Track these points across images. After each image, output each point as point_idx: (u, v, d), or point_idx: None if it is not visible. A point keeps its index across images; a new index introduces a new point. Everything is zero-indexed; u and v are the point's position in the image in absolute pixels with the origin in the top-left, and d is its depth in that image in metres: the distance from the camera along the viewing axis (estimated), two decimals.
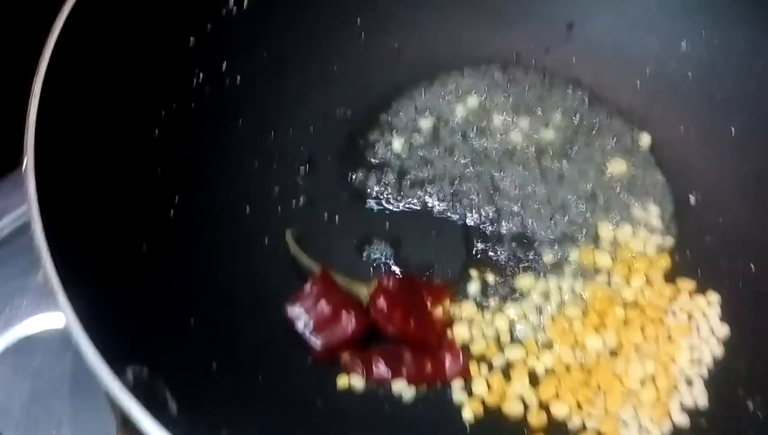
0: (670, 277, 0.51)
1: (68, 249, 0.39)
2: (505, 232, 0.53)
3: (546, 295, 0.50)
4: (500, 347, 0.49)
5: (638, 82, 0.58)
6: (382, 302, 0.48)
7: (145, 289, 0.45)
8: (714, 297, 0.49)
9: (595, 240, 0.52)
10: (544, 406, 0.47)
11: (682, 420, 0.45)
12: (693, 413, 0.46)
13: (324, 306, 0.48)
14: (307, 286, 0.49)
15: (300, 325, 0.48)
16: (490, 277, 0.51)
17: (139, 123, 0.49)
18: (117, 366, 0.36)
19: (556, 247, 0.52)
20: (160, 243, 0.47)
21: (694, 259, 0.52)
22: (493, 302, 0.50)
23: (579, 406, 0.46)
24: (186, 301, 0.46)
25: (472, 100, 0.58)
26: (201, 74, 0.53)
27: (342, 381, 0.47)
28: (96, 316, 0.38)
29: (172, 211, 0.49)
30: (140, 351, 0.39)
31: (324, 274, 0.49)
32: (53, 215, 0.40)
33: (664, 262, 0.51)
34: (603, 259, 0.51)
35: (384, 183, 0.56)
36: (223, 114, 0.55)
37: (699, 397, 0.46)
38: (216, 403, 0.41)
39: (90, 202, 0.43)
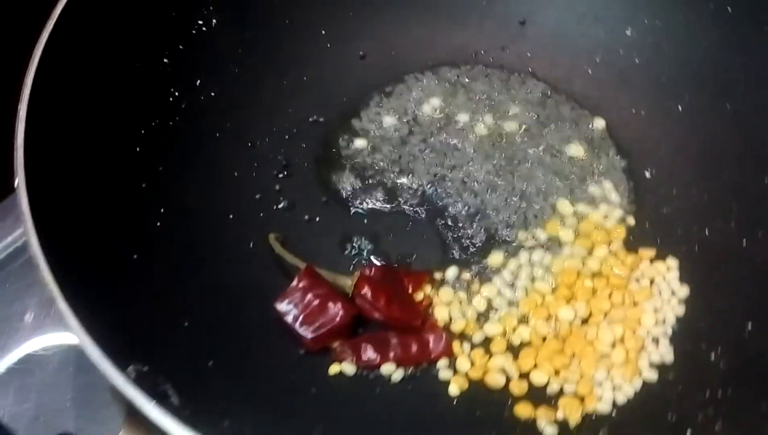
0: (631, 247, 0.53)
1: (64, 260, 0.41)
2: (475, 218, 0.56)
3: (517, 272, 0.52)
4: (479, 325, 0.51)
5: (590, 70, 0.61)
6: (366, 290, 0.50)
7: (139, 294, 0.46)
8: (673, 262, 0.52)
9: (559, 217, 0.54)
10: (525, 376, 0.49)
11: (652, 376, 0.48)
12: (661, 368, 0.48)
13: (311, 299, 0.50)
14: (294, 282, 0.50)
15: (290, 319, 0.50)
16: (465, 262, 0.53)
17: (121, 140, 0.50)
18: (120, 364, 0.38)
19: (523, 228, 0.55)
20: (150, 252, 0.48)
21: (652, 229, 0.54)
22: (469, 284, 0.52)
23: (556, 372, 0.48)
24: (179, 303, 0.48)
25: (436, 100, 0.61)
26: (176, 91, 0.55)
27: (333, 369, 0.49)
28: (96, 321, 0.39)
29: (158, 221, 0.51)
30: (139, 351, 0.40)
31: (309, 270, 0.51)
32: (47, 229, 0.41)
33: (622, 232, 0.53)
34: (567, 234, 0.53)
35: (358, 183, 0.58)
36: (201, 127, 0.56)
37: (665, 354, 0.48)
38: (215, 397, 0.43)
39: (80, 216, 0.45)
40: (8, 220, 0.63)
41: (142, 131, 0.52)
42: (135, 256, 0.47)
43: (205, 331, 0.47)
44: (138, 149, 0.51)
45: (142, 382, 0.38)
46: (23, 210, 0.41)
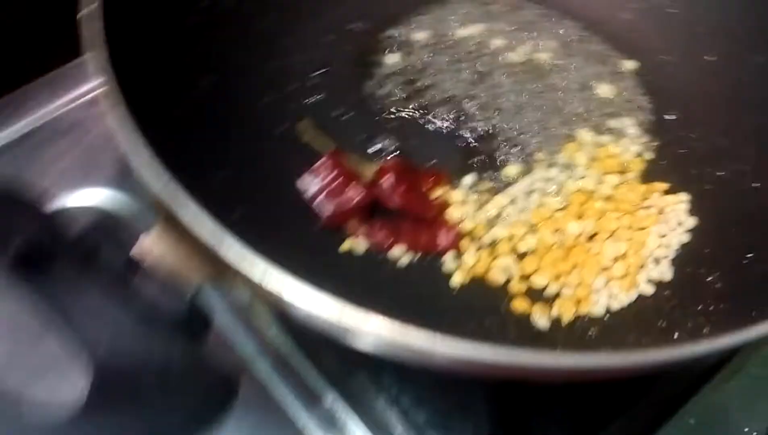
0: (645, 181, 0.54)
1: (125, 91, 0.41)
2: (498, 137, 0.56)
3: (531, 186, 0.53)
4: (488, 228, 0.52)
5: (627, 14, 0.61)
6: (386, 178, 0.51)
7: (176, 147, 0.47)
8: (684, 196, 0.52)
9: (578, 144, 0.55)
10: (526, 278, 0.50)
11: (648, 289, 0.48)
12: (658, 285, 0.49)
13: (333, 179, 0.51)
14: (320, 161, 0.52)
15: (311, 195, 0.51)
16: (483, 172, 0.54)
17: (173, 16, 0.51)
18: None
19: (543, 150, 0.55)
20: (190, 112, 0.49)
21: (668, 167, 0.55)
22: (483, 191, 0.53)
23: (557, 277, 0.49)
24: (211, 159, 0.49)
25: (473, 26, 0.62)
26: None
27: (345, 245, 0.50)
28: (147, 145, 0.40)
29: (201, 86, 0.52)
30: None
31: (335, 153, 0.52)
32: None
33: (639, 165, 0.54)
34: (582, 158, 0.54)
35: (390, 90, 0.59)
36: (248, 17, 0.57)
37: (664, 273, 0.49)
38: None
39: (136, 67, 0.45)
40: (55, 89, 0.65)
41: (196, 7, 0.53)
42: (177, 113, 0.48)
43: (234, 188, 0.48)
44: (190, 22, 0.53)
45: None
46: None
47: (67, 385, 0.35)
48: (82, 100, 0.67)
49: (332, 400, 0.49)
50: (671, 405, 0.50)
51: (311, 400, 0.50)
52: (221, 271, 0.38)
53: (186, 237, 0.38)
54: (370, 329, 0.35)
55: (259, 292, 0.37)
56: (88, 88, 0.66)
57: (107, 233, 0.37)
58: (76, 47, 0.43)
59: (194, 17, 0.53)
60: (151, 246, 0.38)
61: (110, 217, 0.38)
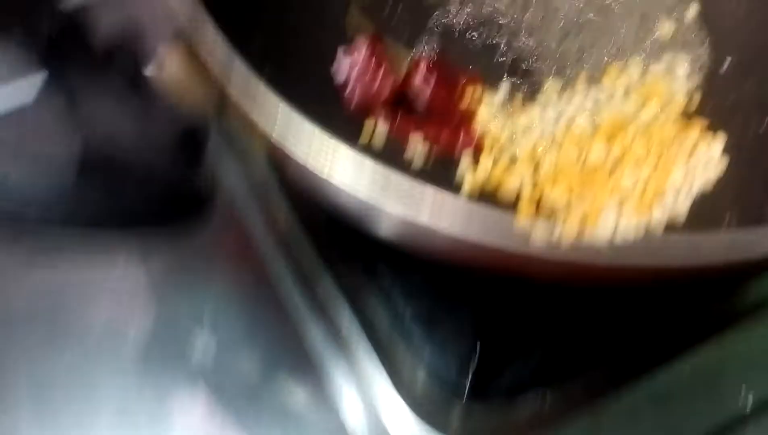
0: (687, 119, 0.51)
1: None
2: (543, 55, 0.54)
3: (566, 105, 0.51)
4: (513, 137, 0.50)
5: None
6: (422, 68, 0.50)
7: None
8: (721, 135, 0.49)
9: (624, 69, 0.52)
10: (539, 187, 0.48)
11: (660, 217, 0.46)
12: (672, 217, 0.46)
13: (369, 63, 0.50)
14: (358, 42, 0.50)
15: (342, 76, 0.50)
16: (520, 86, 0.52)
17: None
18: None
19: (586, 72, 0.53)
20: None
21: (714, 110, 0.51)
22: (517, 102, 0.51)
23: (569, 192, 0.47)
24: (254, 19, 0.48)
25: None
26: None
27: (366, 135, 0.49)
28: None
29: None
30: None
31: (375, 36, 0.51)
32: None
33: (685, 102, 0.51)
34: (626, 85, 0.51)
35: None
36: None
37: (682, 205, 0.46)
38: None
39: None
40: None
41: None
42: None
43: (269, 47, 0.47)
44: None
45: None
46: None
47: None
48: None
49: (326, 285, 0.48)
50: (672, 349, 0.48)
51: (306, 283, 0.49)
52: (226, 103, 0.37)
53: (202, 61, 0.37)
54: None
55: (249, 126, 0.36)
56: None
57: (127, 41, 0.37)
58: None
59: None
60: (167, 61, 0.37)
61: (133, 24, 0.38)
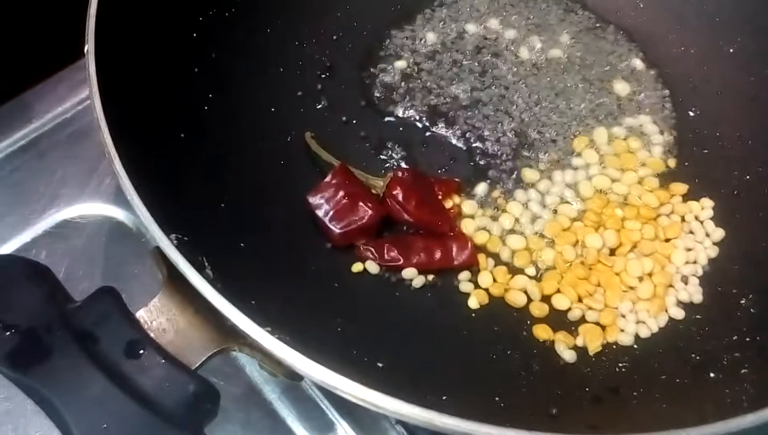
0: (665, 183, 0.45)
1: (121, 126, 0.35)
2: (508, 140, 0.48)
3: (546, 191, 0.44)
4: (503, 241, 0.43)
5: (641, 3, 0.51)
6: (397, 191, 0.43)
7: (182, 170, 0.40)
8: (708, 202, 0.44)
9: (592, 139, 0.46)
10: (546, 299, 0.41)
11: (678, 314, 0.40)
12: (688, 308, 0.41)
13: (343, 196, 0.43)
14: (328, 178, 0.43)
15: (320, 213, 0.43)
16: (495, 179, 0.46)
17: (180, 26, 0.44)
18: (165, 229, 0.31)
19: (556, 150, 0.47)
20: (196, 132, 0.42)
21: (691, 168, 0.46)
22: (496, 200, 0.45)
23: (579, 299, 0.41)
24: (217, 185, 0.41)
25: (484, 22, 0.52)
26: None
27: (357, 267, 0.42)
28: (146, 187, 0.33)
29: (206, 105, 0.44)
30: (181, 222, 0.34)
31: (343, 167, 0.44)
32: (109, 95, 0.35)
33: (659, 164, 0.45)
34: (597, 156, 0.45)
35: (396, 93, 0.50)
36: (254, 21, 0.49)
37: (694, 294, 0.41)
38: (244, 277, 0.36)
39: (138, 90, 0.39)
40: (58, 93, 0.56)
41: (201, 19, 0.45)
42: (183, 135, 0.41)
43: (240, 214, 0.41)
44: (195, 35, 0.45)
45: (183, 250, 0.31)
46: (91, 74, 0.36)
47: None
48: (86, 103, 0.57)
49: (345, 430, 0.41)
50: None
51: (323, 428, 0.42)
52: (231, 334, 0.30)
53: (192, 301, 0.30)
54: (382, 406, 0.27)
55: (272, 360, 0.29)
56: None
57: (108, 307, 0.29)
58: (80, 47, 0.37)
59: (197, 30, 0.44)
60: (156, 313, 0.30)
61: (109, 290, 0.30)
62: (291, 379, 0.30)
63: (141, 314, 0.30)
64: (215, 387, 0.30)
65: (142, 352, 0.29)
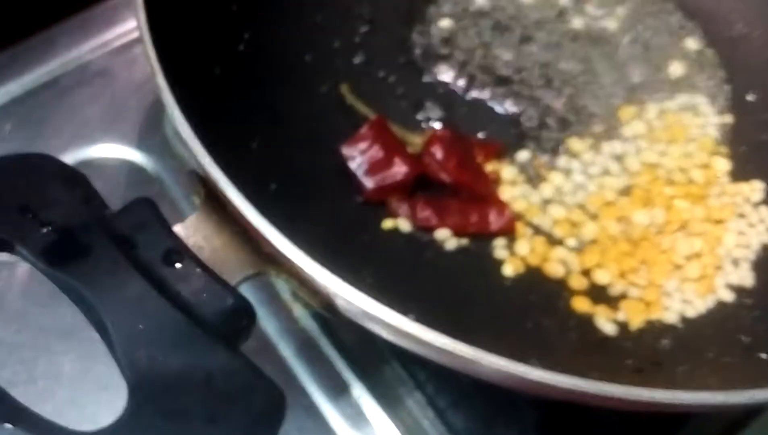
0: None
1: (162, 50, 0.34)
2: (555, 108, 0.46)
3: (591, 161, 0.43)
4: (543, 211, 0.42)
5: None
6: (436, 149, 0.41)
7: (215, 106, 0.38)
8: (758, 184, 0.42)
9: (642, 112, 0.45)
10: (586, 272, 0.40)
11: (727, 296, 0.38)
12: (738, 291, 0.39)
13: (378, 150, 0.41)
14: (363, 130, 0.42)
15: (354, 165, 0.41)
16: (537, 146, 0.44)
17: None
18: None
19: (603, 122, 0.45)
20: (230, 70, 0.41)
21: (747, 154, 0.44)
22: (539, 167, 0.43)
23: (622, 275, 0.39)
24: (249, 126, 0.40)
25: None
26: None
27: (387, 223, 0.41)
28: (185, 107, 0.32)
29: (241, 45, 0.43)
30: (215, 155, 0.32)
31: (379, 120, 0.42)
32: (152, 17, 0.34)
33: (710, 143, 0.43)
34: (646, 128, 0.44)
35: (439, 52, 0.48)
36: None
37: (745, 277, 0.39)
38: (272, 220, 0.35)
39: (178, 21, 0.37)
40: (85, 31, 0.55)
41: None
42: (217, 71, 0.40)
43: (272, 157, 0.40)
44: None
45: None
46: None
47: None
48: (113, 45, 0.56)
49: (360, 392, 0.40)
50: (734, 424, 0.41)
51: (338, 389, 0.40)
52: (267, 260, 0.29)
53: (229, 221, 0.29)
54: (425, 339, 0.25)
55: (308, 288, 0.28)
56: (119, 32, 0.56)
57: (145, 216, 0.28)
58: None
59: None
60: (192, 230, 0.29)
61: (147, 201, 0.29)
62: (326, 312, 0.29)
63: (177, 229, 0.30)
64: (252, 305, 0.29)
65: (179, 262, 0.28)
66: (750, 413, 0.42)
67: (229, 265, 0.29)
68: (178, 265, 0.28)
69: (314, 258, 0.28)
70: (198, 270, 0.28)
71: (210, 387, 0.26)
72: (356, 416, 0.41)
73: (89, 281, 0.27)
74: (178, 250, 0.28)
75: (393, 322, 0.26)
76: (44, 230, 0.27)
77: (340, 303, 0.27)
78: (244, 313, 0.29)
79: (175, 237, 0.29)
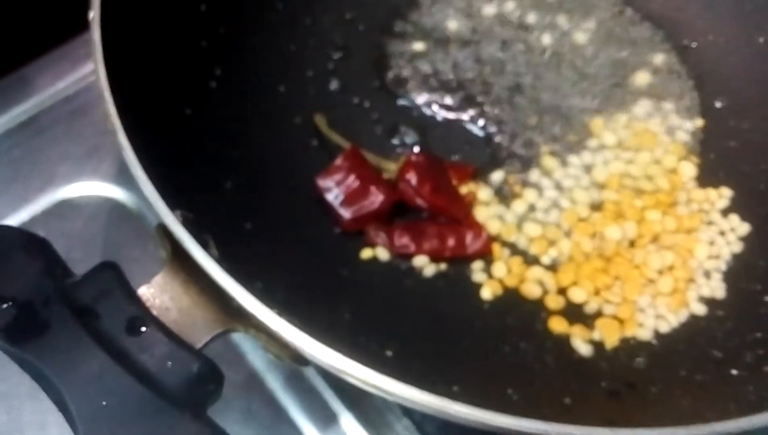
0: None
1: (125, 97, 0.35)
2: (527, 124, 0.48)
3: (562, 177, 0.45)
4: (519, 229, 0.43)
5: None
6: (411, 175, 0.43)
7: (188, 147, 0.40)
8: (726, 191, 0.44)
9: (609, 122, 0.47)
10: (562, 291, 0.41)
11: (700, 309, 0.40)
12: (710, 303, 0.40)
13: (353, 179, 0.43)
14: (338, 160, 0.43)
15: (330, 197, 0.43)
16: (510, 166, 0.46)
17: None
18: (169, 204, 0.31)
19: (573, 136, 0.47)
20: (202, 109, 0.42)
21: (716, 161, 0.46)
22: (512, 187, 0.45)
23: (596, 292, 0.41)
24: (223, 164, 0.41)
25: (504, 3, 0.52)
26: None
27: (366, 253, 0.42)
28: (150, 161, 0.33)
29: (213, 81, 0.44)
30: (186, 199, 0.34)
31: (354, 150, 0.44)
32: (113, 66, 0.35)
33: (679, 149, 0.45)
34: (614, 138, 0.46)
35: (411, 76, 0.49)
36: None
37: (716, 289, 0.41)
38: (249, 259, 0.36)
39: (143, 62, 0.39)
40: (59, 68, 0.56)
41: None
42: (188, 111, 0.41)
43: (247, 195, 0.41)
44: (203, 8, 0.45)
45: (188, 227, 0.31)
46: (95, 42, 0.35)
47: None
48: (89, 80, 0.57)
49: (348, 421, 0.41)
50: None
51: (326, 420, 0.42)
52: (236, 315, 0.30)
53: (196, 280, 0.30)
54: (394, 392, 0.27)
55: (277, 342, 0.29)
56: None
57: (108, 282, 0.29)
58: (83, 19, 0.36)
59: (205, 3, 0.44)
60: (159, 290, 0.30)
61: (110, 265, 0.30)
62: (297, 364, 0.30)
63: (143, 291, 0.30)
64: (219, 368, 0.29)
65: (143, 329, 0.29)
66: None
67: (197, 326, 0.30)
68: (142, 331, 0.28)
69: (286, 308, 0.29)
70: (162, 337, 0.28)
71: None
72: None
73: (48, 359, 0.27)
74: (142, 316, 0.29)
75: (362, 376, 0.27)
76: (4, 306, 0.27)
77: (308, 357, 0.29)
78: (211, 377, 0.29)
79: (138, 302, 0.29)
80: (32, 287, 0.28)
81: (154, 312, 0.29)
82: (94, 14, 0.36)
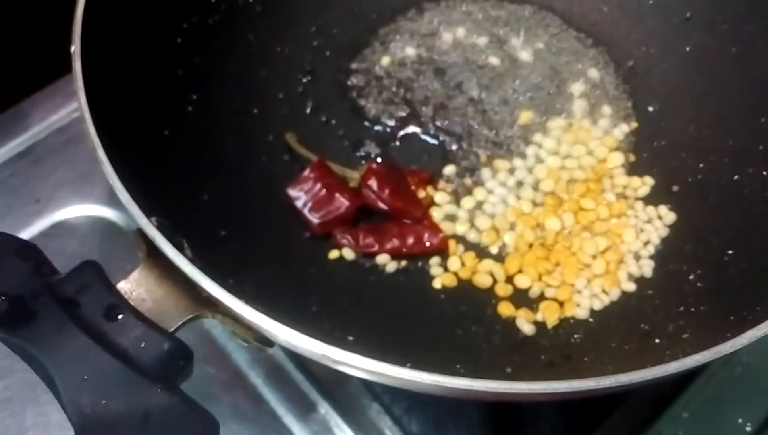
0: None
1: (106, 122, 0.39)
2: (478, 134, 0.53)
3: (509, 178, 0.50)
4: (470, 226, 0.49)
5: (605, 7, 0.57)
6: (372, 181, 0.48)
7: (166, 164, 0.44)
8: (648, 180, 0.49)
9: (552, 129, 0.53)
10: (510, 280, 0.47)
11: (630, 287, 0.45)
12: (639, 282, 0.46)
13: (320, 188, 0.48)
14: (306, 171, 0.49)
15: (299, 204, 0.48)
16: (463, 170, 0.51)
17: (165, 31, 0.49)
18: (145, 211, 0.36)
19: (518, 142, 0.53)
20: (179, 130, 0.47)
21: (649, 159, 0.51)
22: (465, 188, 0.50)
23: (539, 277, 0.46)
24: (200, 179, 0.46)
25: (456, 29, 0.58)
26: None
27: (333, 253, 0.48)
28: (128, 175, 0.37)
29: (190, 106, 0.49)
30: (162, 208, 0.38)
31: (320, 162, 0.49)
32: (95, 94, 0.39)
33: (613, 141, 0.51)
34: (552, 140, 0.51)
35: (374, 96, 0.55)
36: (236, 28, 0.54)
37: (645, 269, 0.46)
38: (222, 260, 0.41)
39: (122, 90, 0.43)
40: (53, 102, 0.62)
41: (185, 25, 0.50)
42: (166, 132, 0.46)
43: (221, 206, 0.46)
44: (179, 40, 0.50)
45: (162, 230, 0.36)
46: (76, 72, 0.39)
47: None
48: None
49: (326, 409, 0.46)
50: (664, 400, 0.47)
51: (305, 409, 0.47)
52: (204, 303, 0.35)
53: (169, 275, 0.35)
54: (357, 365, 0.32)
55: (242, 324, 0.34)
56: None
57: (89, 277, 0.34)
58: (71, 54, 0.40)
59: (181, 36, 0.49)
60: (136, 285, 0.35)
61: (92, 263, 0.35)
62: (263, 344, 0.35)
63: (121, 286, 0.35)
64: (188, 346, 0.34)
65: (120, 316, 0.33)
66: (677, 387, 0.49)
67: (169, 313, 0.34)
68: (119, 318, 0.32)
69: (256, 301, 0.33)
70: (137, 321, 0.32)
71: (147, 424, 0.31)
72: (323, 432, 0.48)
73: (37, 342, 0.31)
74: (119, 305, 0.33)
75: (320, 351, 0.31)
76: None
77: (267, 335, 0.33)
78: (180, 355, 0.33)
79: (117, 294, 0.34)
80: (23, 283, 0.33)
81: (131, 302, 0.34)
82: (75, 48, 0.40)
